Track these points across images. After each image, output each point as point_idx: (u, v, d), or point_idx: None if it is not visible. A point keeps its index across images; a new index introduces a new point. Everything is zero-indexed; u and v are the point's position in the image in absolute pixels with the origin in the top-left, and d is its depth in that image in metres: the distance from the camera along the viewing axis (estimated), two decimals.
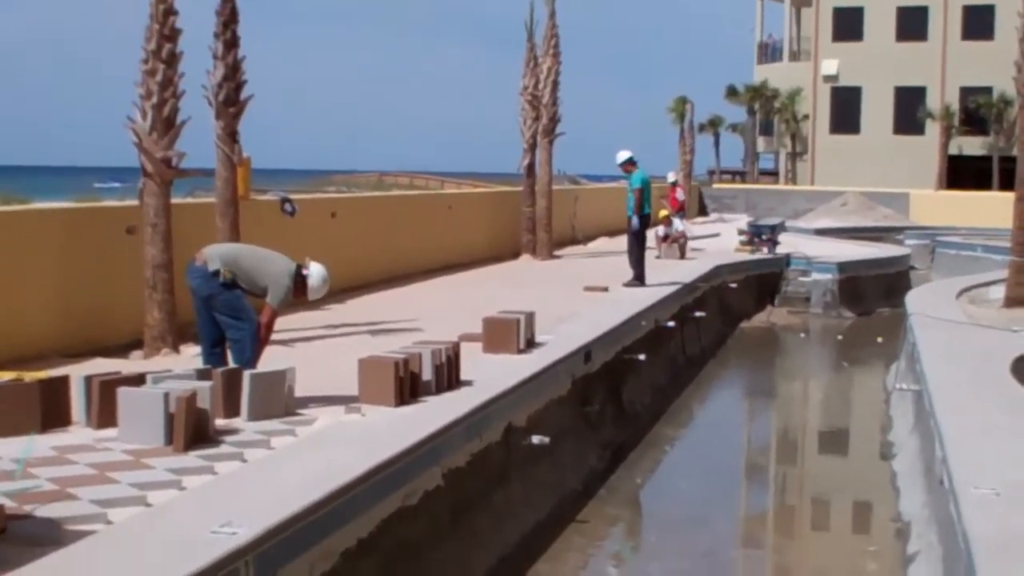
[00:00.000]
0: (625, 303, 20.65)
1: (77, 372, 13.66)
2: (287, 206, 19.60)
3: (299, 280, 11.87)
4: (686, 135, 55.68)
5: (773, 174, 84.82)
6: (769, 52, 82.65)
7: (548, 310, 18.54)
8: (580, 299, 21.47)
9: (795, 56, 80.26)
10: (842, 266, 31.64)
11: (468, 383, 12.73)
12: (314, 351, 15.47)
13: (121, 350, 15.67)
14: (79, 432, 10.31)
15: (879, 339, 27.41)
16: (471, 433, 11.50)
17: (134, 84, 15.15)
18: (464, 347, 13.53)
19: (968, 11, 72.55)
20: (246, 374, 10.79)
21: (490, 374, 13.27)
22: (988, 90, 71.58)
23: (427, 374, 12.06)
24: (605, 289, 22.91)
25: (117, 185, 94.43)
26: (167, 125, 15.09)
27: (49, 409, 10.27)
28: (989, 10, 71.49)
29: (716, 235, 41.35)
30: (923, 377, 14.71)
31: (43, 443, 9.70)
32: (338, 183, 68.48)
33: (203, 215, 17.08)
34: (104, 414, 10.30)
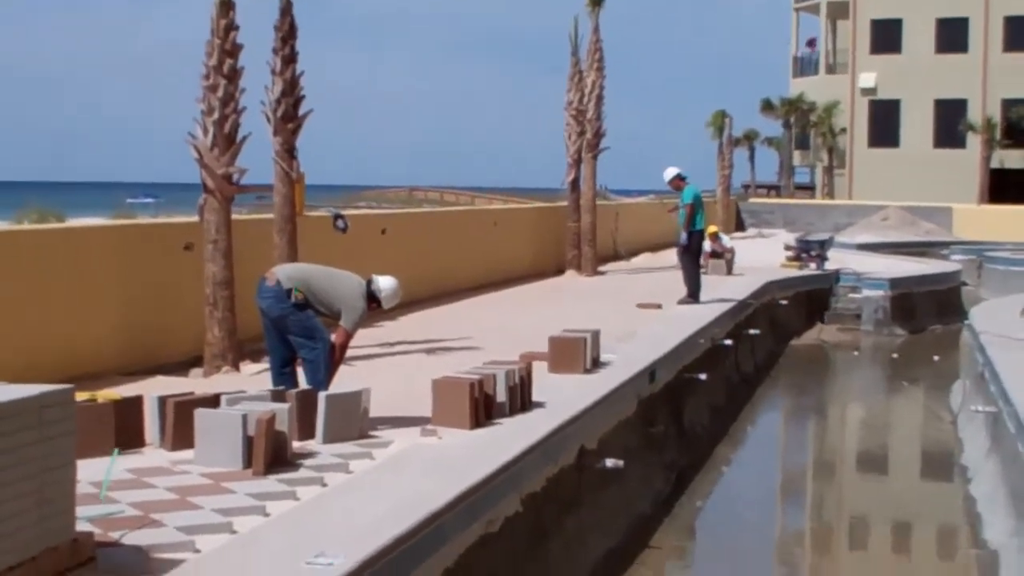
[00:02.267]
0: (683, 320, 20.39)
1: (138, 390, 13.48)
2: (339, 222, 19.36)
3: (371, 297, 11.64)
4: (724, 149, 55.36)
5: (808, 188, 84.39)
6: (805, 65, 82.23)
7: (604, 328, 18.21)
8: (635, 316, 21.20)
9: (831, 69, 79.85)
10: (894, 282, 31.22)
11: (540, 404, 12.48)
12: (375, 370, 15.24)
13: (180, 368, 15.48)
14: (153, 454, 10.09)
15: (935, 358, 27.07)
16: (547, 457, 11.24)
17: (195, 100, 14.95)
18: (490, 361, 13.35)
19: (1009, 22, 72.16)
20: (322, 395, 10.56)
21: (561, 395, 13.01)
22: None
23: (501, 395, 11.82)
24: (659, 306, 22.64)
25: (150, 200, 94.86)
26: (228, 141, 14.88)
27: (123, 430, 10.06)
28: None
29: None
30: (1003, 399, 14.35)
31: (119, 465, 9.48)
32: (368, 198, 68.44)
33: (260, 232, 16.87)
34: (179, 435, 10.08)
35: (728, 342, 21.51)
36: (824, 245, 33.66)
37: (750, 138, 78.56)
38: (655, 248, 39.20)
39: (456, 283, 24.54)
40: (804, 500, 17.02)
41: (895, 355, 27.93)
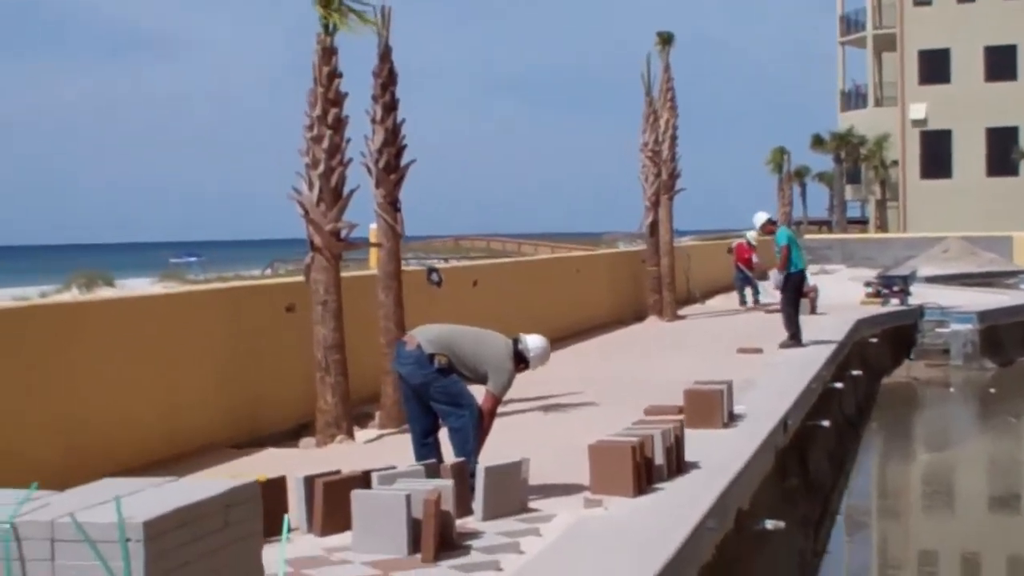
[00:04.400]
0: (793, 365, 19.52)
1: (252, 465, 12.74)
2: (434, 275, 18.60)
3: (518, 357, 10.77)
4: (784, 186, 54.51)
5: (860, 222, 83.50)
6: (853, 99, 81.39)
7: (712, 376, 17.41)
8: (739, 362, 20.28)
9: (879, 102, 79.01)
10: (982, 315, 30.27)
11: (695, 465, 11.61)
12: (496, 431, 14.36)
13: (288, 437, 14.70)
14: (302, 540, 9.20)
15: None
16: (715, 524, 10.35)
17: (298, 152, 14.18)
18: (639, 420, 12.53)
19: None
20: (481, 468, 9.68)
21: (710, 453, 12.13)
22: None
23: (659, 458, 10.95)
24: (759, 351, 21.76)
25: (193, 259, 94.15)
26: (335, 195, 14.10)
27: (267, 515, 9.18)
28: None
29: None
30: None
31: (268, 555, 8.61)
32: (415, 249, 67.80)
33: (363, 289, 16.02)
34: (329, 519, 9.23)
35: (839, 385, 20.62)
36: (907, 280, 32.74)
37: (801, 174, 77.41)
38: (727, 289, 38.25)
39: (545, 333, 23.62)
40: (952, 554, 16.02)
41: (992, 390, 26.95)
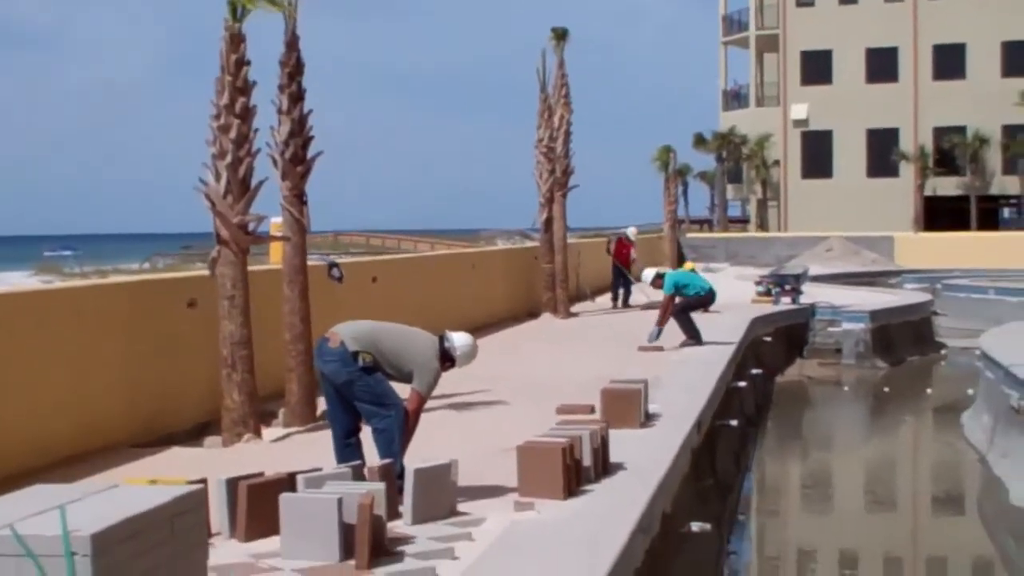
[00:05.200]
0: (698, 364, 19.37)
1: (157, 465, 12.31)
2: (335, 271, 18.22)
3: (444, 356, 10.42)
4: (670, 184, 54.53)
5: (741, 221, 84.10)
6: (735, 99, 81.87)
7: (617, 374, 17.22)
8: (642, 360, 20.09)
9: (760, 102, 79.56)
10: (874, 315, 30.38)
11: (619, 466, 11.33)
12: None
13: (191, 436, 14.25)
14: (227, 546, 8.78)
15: (928, 390, 26.35)
16: (643, 529, 10.07)
17: (205, 142, 13.69)
18: (564, 420, 12.29)
19: (938, 50, 72.31)
20: (410, 470, 9.32)
21: (632, 454, 11.86)
22: (962, 129, 71.28)
23: (586, 459, 10.66)
24: (660, 348, 21.60)
25: (68, 253, 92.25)
26: (243, 187, 13.63)
27: None
28: (960, 49, 71.37)
29: None
30: None
31: None
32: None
33: (268, 284, 15.56)
34: (254, 524, 8.82)
35: (742, 384, 20.49)
36: (800, 279, 32.75)
37: (683, 173, 77.64)
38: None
39: (442, 329, 23.29)
40: (867, 553, 15.91)
41: (886, 388, 27.04)
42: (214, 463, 12.19)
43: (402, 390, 10.37)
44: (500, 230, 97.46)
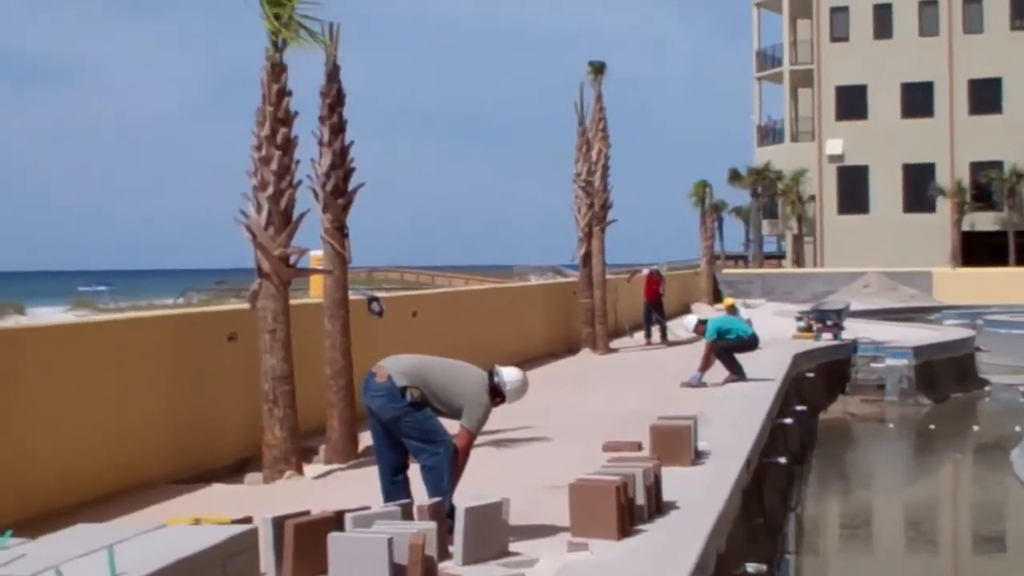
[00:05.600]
0: (744, 400, 19.06)
1: (199, 502, 12.03)
2: (375, 305, 17.92)
3: (494, 391, 10.12)
4: (707, 220, 54.28)
5: (776, 257, 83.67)
6: (770, 134, 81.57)
7: (661, 410, 16.94)
8: (686, 397, 19.81)
9: (795, 137, 79.25)
10: (918, 351, 29.92)
11: (672, 505, 11.01)
12: None
13: (231, 472, 13.97)
14: None
15: (975, 427, 25.91)
16: (700, 569, 9.75)
17: (246, 174, 13.45)
18: (612, 457, 11.98)
19: (974, 85, 71.91)
20: (461, 509, 9.01)
21: (686, 493, 11.53)
22: (999, 164, 70.87)
23: (640, 498, 10.33)
24: (704, 384, 21.28)
25: (103, 288, 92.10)
26: (285, 219, 13.38)
27: None
28: (996, 83, 70.96)
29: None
30: None
31: None
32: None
33: (308, 318, 15.29)
34: (301, 564, 8.52)
35: (788, 421, 20.10)
36: (841, 314, 32.34)
37: (718, 208, 77.46)
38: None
39: (481, 364, 23.02)
40: None
41: (931, 426, 26.58)
42: (257, 501, 11.93)
43: (450, 426, 10.08)
44: (533, 266, 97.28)
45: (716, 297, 57.41)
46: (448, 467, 9.74)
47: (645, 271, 34.37)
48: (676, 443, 13.11)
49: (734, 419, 16.90)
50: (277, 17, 13.46)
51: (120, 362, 12.80)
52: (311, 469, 13.89)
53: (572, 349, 29.64)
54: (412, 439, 9.76)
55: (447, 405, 9.90)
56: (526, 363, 25.57)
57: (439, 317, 21.92)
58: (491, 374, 10.17)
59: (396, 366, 9.89)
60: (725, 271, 68.21)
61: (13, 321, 51.28)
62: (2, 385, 10.97)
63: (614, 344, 31.52)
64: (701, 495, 11.54)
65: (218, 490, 12.88)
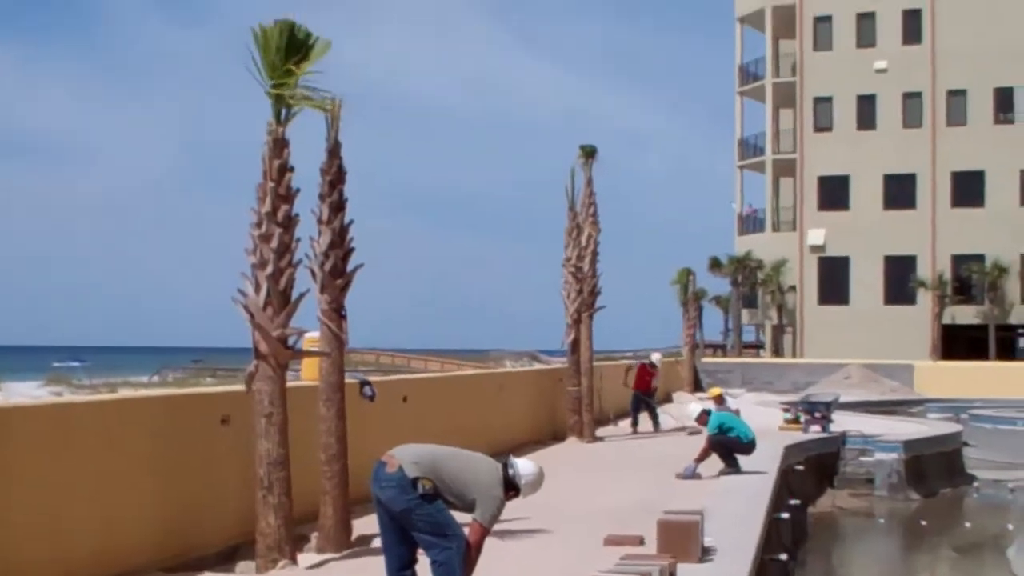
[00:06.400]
0: (740, 494, 18.65)
1: None
2: (367, 390, 17.50)
3: (508, 484, 9.69)
4: (689, 308, 54.00)
5: (754, 347, 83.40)
6: (751, 223, 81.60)
7: (658, 503, 16.54)
8: (681, 489, 19.38)
9: (776, 226, 79.29)
10: (908, 444, 29.55)
11: None
12: None
13: (222, 559, 13.51)
14: None
15: (967, 524, 25.52)
16: None
17: (245, 251, 13.04)
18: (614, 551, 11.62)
19: (957, 177, 72.36)
20: None
21: None
22: (980, 258, 70.96)
23: None
24: (698, 476, 20.88)
25: (76, 364, 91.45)
26: (284, 299, 12.95)
27: None
28: (978, 176, 71.35)
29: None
30: None
31: None
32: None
33: (302, 402, 14.80)
34: None
35: (785, 515, 19.67)
36: (830, 407, 31.94)
37: (698, 296, 77.33)
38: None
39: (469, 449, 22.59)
40: None
41: (923, 522, 26.15)
42: None
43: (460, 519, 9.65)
44: (509, 351, 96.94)
45: (697, 386, 57.05)
46: (460, 563, 9.31)
47: (636, 363, 33.97)
48: (684, 539, 12.67)
49: (735, 514, 16.46)
50: (279, 92, 13.11)
51: (109, 443, 12.33)
52: (304, 558, 13.40)
53: (557, 436, 29.18)
54: (423, 533, 9.32)
55: (460, 498, 9.47)
56: (513, 450, 25.11)
57: (429, 402, 21.46)
58: (505, 466, 9.77)
59: (407, 456, 9.47)
60: (704, 360, 67.88)
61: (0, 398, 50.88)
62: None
63: (600, 432, 31.03)
64: None
65: None
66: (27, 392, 55.57)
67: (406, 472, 9.30)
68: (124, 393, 15.18)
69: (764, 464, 22.67)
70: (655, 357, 34.27)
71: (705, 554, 13.08)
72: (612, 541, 13.91)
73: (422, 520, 9.28)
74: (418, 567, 9.69)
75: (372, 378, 19.17)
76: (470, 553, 9.42)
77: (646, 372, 32.75)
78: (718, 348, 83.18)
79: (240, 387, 13.90)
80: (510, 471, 9.74)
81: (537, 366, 62.22)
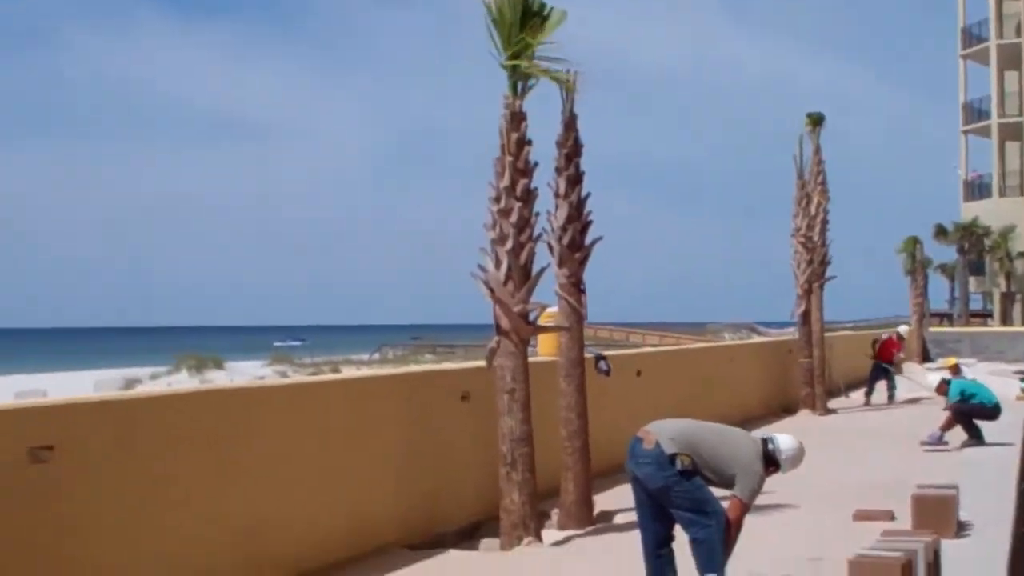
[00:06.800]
0: (988, 466, 18.04)
1: (433, 568, 11.55)
2: (602, 364, 17.33)
3: (767, 459, 9.42)
4: (917, 277, 52.85)
5: (982, 315, 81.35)
6: (976, 189, 79.54)
7: (902, 476, 16.13)
8: (927, 461, 18.90)
9: (1003, 192, 77.12)
10: None
11: None
12: None
13: (463, 536, 13.45)
14: None
15: None
16: None
17: (484, 227, 12.93)
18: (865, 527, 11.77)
19: None
20: None
21: (960, 570, 10.69)
22: None
23: None
24: (946, 444, 20.39)
25: (297, 343, 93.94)
26: (525, 273, 12.81)
27: None
28: None
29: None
30: None
31: None
32: None
33: (541, 376, 14.64)
34: None
35: None
36: None
37: (924, 265, 75.78)
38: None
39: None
40: None
41: None
42: (496, 569, 11.45)
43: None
44: (727, 323, 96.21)
45: (925, 356, 55.82)
46: (721, 540, 9.05)
47: (885, 335, 33.36)
48: (940, 514, 12.26)
49: (986, 487, 15.93)
50: (515, 65, 12.95)
51: (358, 421, 12.34)
52: (547, 535, 13.25)
53: (788, 409, 28.72)
54: (682, 510, 9.07)
55: (718, 474, 9.21)
56: (743, 423, 24.71)
57: (662, 376, 21.24)
58: (765, 441, 9.47)
59: (664, 431, 9.23)
60: (931, 329, 66.42)
61: (224, 376, 52.05)
62: (237, 445, 10.54)
63: (831, 404, 30.48)
64: (975, 571, 10.70)
65: (454, 556, 12.33)
66: (252, 371, 56.97)
67: (663, 448, 9.07)
68: (368, 371, 15.21)
69: (1007, 435, 21.99)
70: (902, 329, 33.73)
71: (961, 529, 12.65)
72: (861, 516, 13.55)
73: (681, 497, 9.04)
74: (675, 544, 9.44)
75: (609, 353, 19.03)
76: (730, 530, 9.15)
77: (892, 344, 32.22)
78: (944, 317, 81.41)
79: (479, 363, 13.86)
80: (770, 446, 9.44)
81: (756, 338, 61.52)
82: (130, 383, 49.64)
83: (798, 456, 9.57)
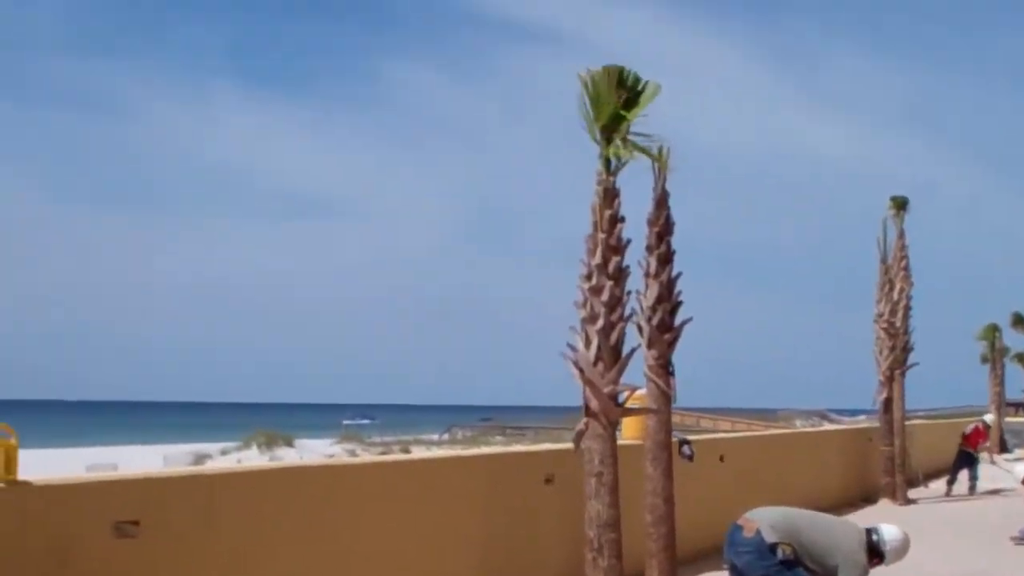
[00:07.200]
0: None
1: None
2: (686, 449, 17.00)
3: (871, 550, 9.06)
4: (996, 364, 52.06)
5: None
6: None
7: (989, 572, 15.71)
8: (1013, 556, 18.48)
9: None
10: None
11: None
12: None
13: None
14: None
15: None
16: None
17: (574, 304, 12.67)
18: None
19: None
20: None
21: None
22: None
23: None
24: None
25: (366, 421, 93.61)
26: (615, 354, 12.51)
27: None
28: None
29: None
30: None
31: None
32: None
33: (626, 460, 14.31)
34: None
35: None
36: None
37: (1001, 354, 74.65)
38: (946, 471, 35.86)
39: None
40: None
41: None
42: None
43: None
44: (797, 410, 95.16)
45: (1003, 446, 54.87)
46: None
47: (971, 425, 32.75)
48: None
49: None
50: (608, 140, 12.73)
51: (434, 503, 12.06)
52: None
53: (868, 498, 28.14)
54: None
55: (820, 564, 8.87)
56: (823, 511, 24.27)
57: (745, 461, 20.84)
58: (869, 532, 9.11)
59: (765, 519, 8.91)
60: (1008, 419, 65.34)
61: (294, 454, 51.87)
62: (319, 522, 10.31)
63: (911, 494, 29.86)
64: None
65: None
66: (321, 449, 56.75)
67: (764, 536, 8.75)
68: (455, 451, 15.01)
69: None
70: (988, 418, 33.13)
71: None
72: None
73: None
74: None
75: (693, 438, 18.69)
76: None
77: (979, 433, 31.59)
78: (1020, 407, 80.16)
79: (561, 445, 13.57)
80: (874, 536, 9.10)
81: (827, 426, 60.75)
82: (199, 458, 49.59)
83: (903, 547, 9.22)
